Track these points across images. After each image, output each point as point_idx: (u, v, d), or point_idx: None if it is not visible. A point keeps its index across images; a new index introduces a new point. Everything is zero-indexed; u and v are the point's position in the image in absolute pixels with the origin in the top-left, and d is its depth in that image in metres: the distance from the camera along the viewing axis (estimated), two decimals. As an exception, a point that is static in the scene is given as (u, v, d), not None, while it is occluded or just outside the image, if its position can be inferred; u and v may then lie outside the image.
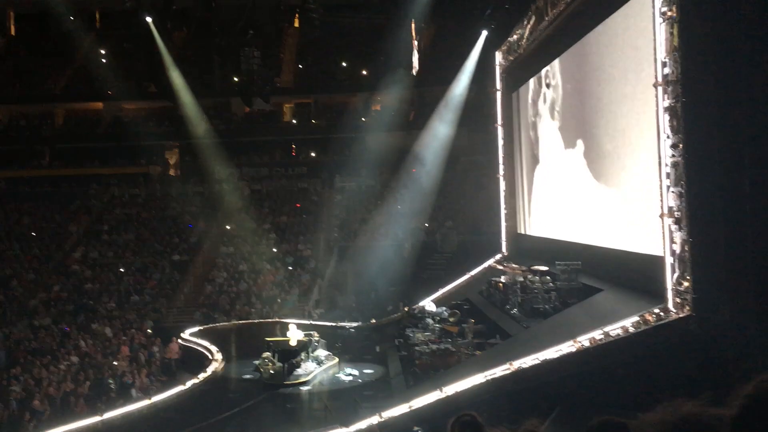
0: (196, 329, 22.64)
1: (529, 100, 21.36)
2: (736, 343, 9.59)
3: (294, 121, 39.46)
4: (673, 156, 10.53)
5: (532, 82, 20.97)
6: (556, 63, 18.34)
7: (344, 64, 39.13)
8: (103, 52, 36.59)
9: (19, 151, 37.34)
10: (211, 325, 23.52)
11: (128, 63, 35.52)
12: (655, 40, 10.91)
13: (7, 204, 34.74)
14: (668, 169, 10.65)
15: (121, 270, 28.96)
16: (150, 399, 16.13)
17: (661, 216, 10.87)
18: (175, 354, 21.17)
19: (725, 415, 1.18)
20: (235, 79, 34.39)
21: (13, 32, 41.92)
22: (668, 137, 10.62)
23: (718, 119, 10.08)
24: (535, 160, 21.03)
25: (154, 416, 15.35)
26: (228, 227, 31.61)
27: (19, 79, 39.15)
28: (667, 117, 10.66)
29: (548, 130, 19.40)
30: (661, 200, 10.89)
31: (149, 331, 23.24)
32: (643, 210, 12.71)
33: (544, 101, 19.75)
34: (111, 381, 18.21)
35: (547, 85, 19.35)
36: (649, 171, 12.13)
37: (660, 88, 10.80)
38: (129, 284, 27.82)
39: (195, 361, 19.78)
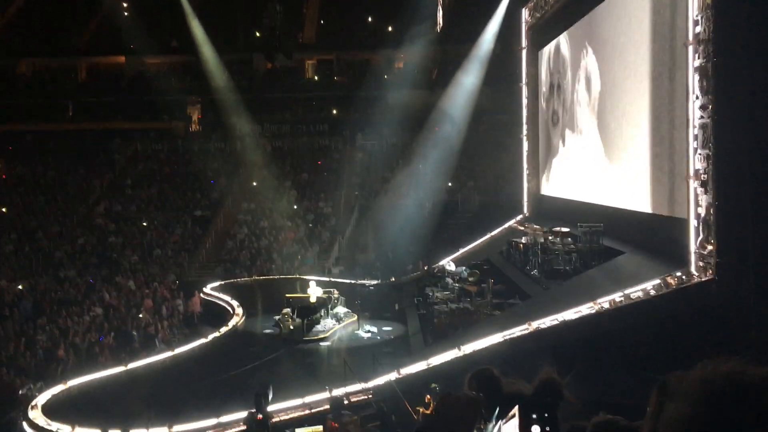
0: (217, 284, 22.93)
1: (554, 60, 20.97)
2: (760, 309, 9.50)
3: (316, 78, 39.18)
4: (702, 117, 10.32)
5: (558, 40, 20.56)
6: (582, 21, 17.93)
7: (369, 19, 38.59)
8: (125, 5, 36.41)
9: (43, 104, 37.54)
10: (232, 280, 23.79)
11: (151, 17, 35.32)
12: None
13: (32, 157, 35.10)
14: (696, 131, 10.45)
15: (144, 224, 29.26)
16: (173, 351, 16.44)
17: (687, 178, 10.70)
18: (197, 307, 21.49)
19: None
20: (258, 34, 34.22)
21: (36, -15, 41.82)
22: (697, 98, 10.40)
23: (750, 80, 9.82)
24: (559, 120, 20.74)
25: (177, 368, 15.65)
26: (252, 184, 31.71)
27: (42, 32, 39.13)
28: (697, 77, 10.42)
29: (573, 90, 19.08)
30: (688, 162, 10.71)
31: (174, 285, 23.54)
32: (670, 172, 12.53)
33: (570, 62, 19.39)
34: (135, 332, 18.55)
35: (573, 47, 18.97)
36: (676, 132, 11.93)
37: (691, 47, 10.53)
38: (152, 238, 28.14)
39: (216, 315, 20.08)
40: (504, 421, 1.44)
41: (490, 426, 1.43)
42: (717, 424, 1.13)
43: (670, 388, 1.23)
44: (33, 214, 30.41)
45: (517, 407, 1.44)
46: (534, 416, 1.44)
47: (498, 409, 1.43)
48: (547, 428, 1.44)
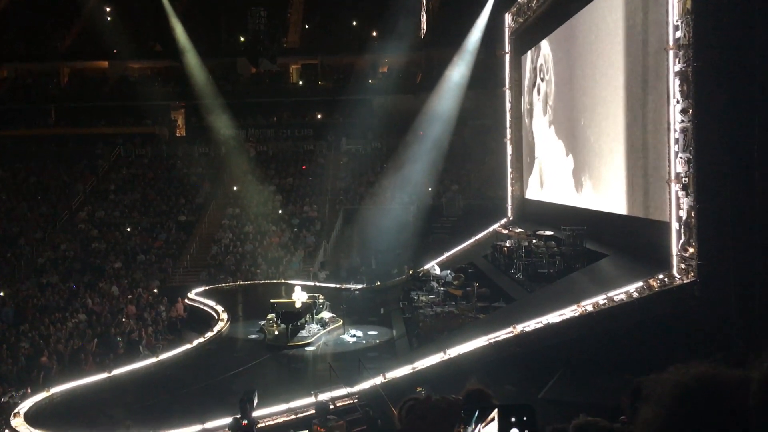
0: (201, 289, 22.84)
1: (537, 64, 21.11)
2: (741, 310, 9.61)
3: (300, 83, 39.17)
4: (683, 121, 10.43)
5: (541, 45, 20.71)
6: (563, 26, 18.07)
7: (353, 23, 38.64)
8: (108, 10, 36.23)
9: (25, 109, 37.23)
10: (216, 285, 23.71)
11: (134, 22, 35.18)
12: (667, 2, 10.72)
13: (14, 163, 34.78)
14: (677, 135, 10.56)
15: (129, 230, 29.08)
16: (157, 357, 16.35)
17: (668, 182, 10.81)
18: (182, 313, 21.39)
19: (751, 377, 1.16)
20: (242, 38, 34.16)
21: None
22: (678, 102, 10.51)
23: (730, 84, 9.94)
24: (542, 124, 20.87)
25: (161, 374, 15.56)
26: (234, 188, 31.63)
27: (24, 36, 38.84)
28: (677, 81, 10.54)
29: (556, 94, 19.22)
30: (669, 165, 10.82)
31: (156, 290, 23.42)
32: (649, 176, 12.65)
33: (551, 67, 19.53)
34: (119, 339, 18.42)
35: (554, 51, 19.11)
36: (657, 136, 12.06)
37: (671, 52, 10.65)
38: (135, 244, 27.97)
39: (201, 320, 19.98)
40: (483, 424, 1.45)
41: (470, 429, 1.44)
42: (690, 426, 1.16)
43: (644, 390, 1.25)
44: (15, 220, 30.13)
45: (496, 410, 1.46)
46: (513, 419, 1.45)
47: (477, 412, 1.44)
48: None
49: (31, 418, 12.61)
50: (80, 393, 14.27)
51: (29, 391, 14.63)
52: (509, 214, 23.43)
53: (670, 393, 1.19)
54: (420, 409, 1.36)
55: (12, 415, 12.63)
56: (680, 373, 1.21)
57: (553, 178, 20.02)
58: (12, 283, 24.59)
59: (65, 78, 39.63)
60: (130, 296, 22.35)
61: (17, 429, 12.04)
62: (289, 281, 22.31)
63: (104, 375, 15.01)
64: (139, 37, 35.64)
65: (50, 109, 38.22)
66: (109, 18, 35.76)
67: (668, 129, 10.81)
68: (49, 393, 13.84)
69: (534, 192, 22.06)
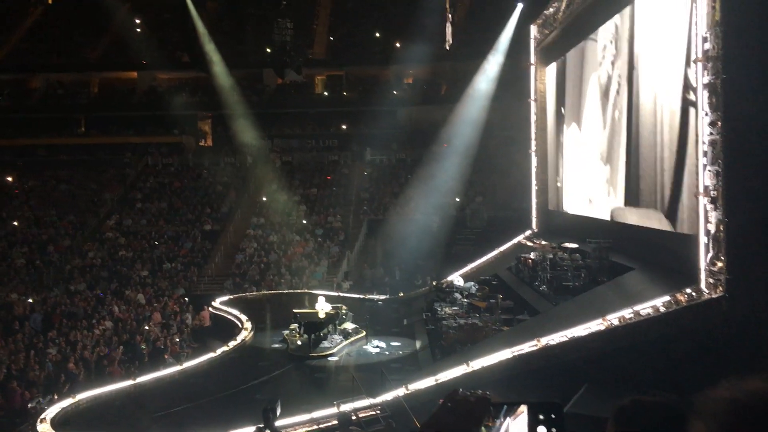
0: (226, 298, 22.98)
1: (571, 69, 21.01)
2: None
3: (325, 93, 39.42)
4: (711, 134, 10.30)
5: (565, 57, 20.63)
6: (601, 30, 17.92)
7: (376, 35, 38.82)
8: (138, 21, 36.82)
9: (56, 119, 37.91)
10: (241, 295, 23.84)
11: (162, 33, 35.73)
12: (696, 14, 10.63)
13: (44, 171, 35.40)
14: (706, 147, 10.43)
15: (156, 243, 29.39)
16: (181, 365, 16.47)
17: (697, 195, 10.67)
18: (206, 321, 21.54)
19: None
20: (268, 50, 34.45)
21: (50, 1, 42.36)
22: (707, 114, 10.38)
23: (759, 97, 9.80)
24: (573, 132, 20.75)
25: (185, 381, 15.67)
26: (261, 199, 31.85)
27: (55, 47, 39.62)
28: (706, 94, 10.41)
29: (588, 101, 19.09)
30: (698, 179, 10.69)
31: (184, 299, 23.61)
32: (678, 189, 12.51)
33: (585, 55, 19.39)
34: (144, 346, 18.59)
35: (588, 38, 18.97)
36: (685, 150, 11.93)
37: (700, 64, 10.54)
38: (161, 252, 28.26)
39: (225, 329, 20.10)
40: (512, 418, 1.46)
41: (498, 423, 1.45)
42: None
43: (696, 406, 1.23)
44: (44, 228, 30.62)
45: (525, 405, 1.46)
46: (541, 417, 1.46)
47: (506, 406, 1.45)
48: (554, 429, 1.46)
49: (57, 424, 12.75)
50: (106, 400, 14.42)
51: (56, 397, 14.82)
52: (534, 225, 23.29)
53: (724, 409, 1.17)
54: (449, 402, 1.36)
55: (39, 420, 12.78)
56: (734, 389, 1.19)
57: (578, 189, 19.87)
58: (40, 290, 24.96)
59: (95, 88, 40.33)
60: (156, 304, 22.55)
61: (44, 434, 12.18)
62: (313, 291, 22.36)
63: (129, 382, 15.15)
64: (168, 48, 36.14)
65: (80, 118, 38.89)
66: (138, 29, 36.34)
67: (696, 141, 10.68)
68: (76, 399, 14.00)
69: (559, 204, 21.92)
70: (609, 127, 17.22)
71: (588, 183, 19.04)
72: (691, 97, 12.09)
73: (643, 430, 1.84)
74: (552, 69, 22.61)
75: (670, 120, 13.21)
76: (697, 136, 10.67)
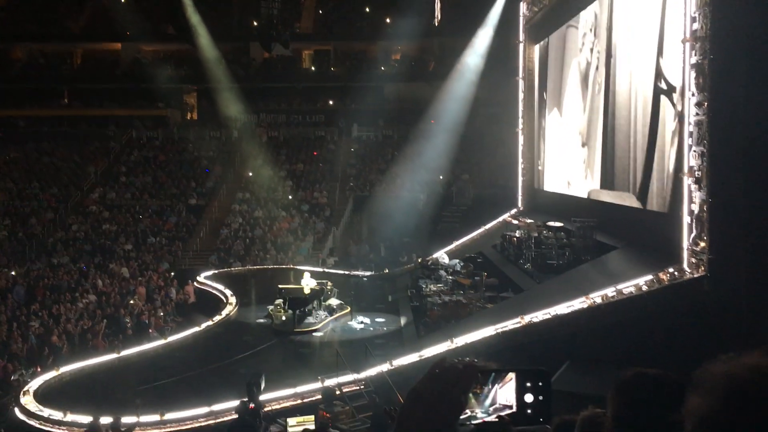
0: (210, 273, 22.95)
1: (553, 54, 20.97)
2: (752, 305, 9.55)
3: (313, 68, 39.10)
4: (697, 114, 10.34)
5: (552, 35, 20.57)
6: (582, 17, 17.92)
7: (366, 9, 38.47)
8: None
9: (38, 90, 37.34)
10: (225, 269, 23.81)
11: (147, 4, 35.12)
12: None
13: (26, 143, 34.94)
14: (691, 128, 10.47)
15: (139, 215, 29.20)
16: (165, 339, 16.47)
17: (681, 174, 10.74)
18: (191, 296, 21.51)
19: None
20: (255, 23, 34.09)
21: (32, -31, 41.54)
22: (693, 95, 10.42)
23: (746, 78, 9.82)
24: (552, 101, 20.76)
25: (169, 355, 15.69)
26: (246, 173, 31.69)
27: (38, 17, 38.89)
28: (693, 74, 10.44)
29: (569, 86, 19.09)
30: (682, 158, 10.75)
31: (167, 274, 23.54)
32: (662, 168, 12.58)
33: (566, 41, 19.38)
34: (128, 320, 18.55)
35: (569, 25, 18.97)
36: (656, 134, 12.02)
37: (687, 44, 10.55)
38: (146, 226, 28.10)
39: (210, 303, 20.10)
40: (500, 385, 1.47)
41: (486, 389, 1.46)
42: (745, 418, 1.14)
43: (694, 381, 1.23)
44: (27, 200, 30.31)
45: (513, 373, 1.47)
46: (528, 384, 1.47)
47: (493, 374, 1.46)
48: (540, 397, 1.47)
49: (40, 396, 12.75)
50: (89, 373, 14.42)
51: (39, 369, 14.79)
52: (519, 204, 23.37)
53: (724, 384, 1.17)
54: (436, 369, 1.36)
55: (22, 393, 12.76)
56: (732, 364, 1.19)
57: (563, 168, 19.93)
58: (23, 262, 24.77)
59: (78, 59, 39.72)
60: (140, 278, 22.47)
61: (27, 407, 12.17)
62: (298, 267, 22.38)
63: (113, 355, 15.14)
64: (152, 19, 35.58)
65: (63, 90, 38.34)
66: (122, 0, 35.74)
67: (682, 122, 10.72)
68: (59, 372, 13.99)
69: (545, 182, 21.98)
70: (588, 112, 17.31)
71: (567, 166, 19.16)
72: (662, 85, 12.18)
73: (646, 399, 1.87)
74: (541, 47, 22.55)
75: (644, 106, 13.35)
76: (682, 116, 10.71)
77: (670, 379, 1.90)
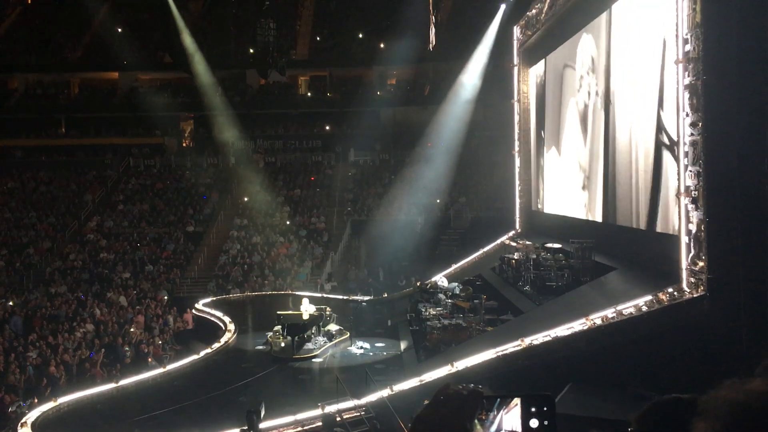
0: (209, 300, 22.85)
1: (548, 78, 21.14)
2: (751, 324, 9.53)
3: (309, 94, 39.34)
4: (692, 135, 10.40)
5: (546, 59, 20.74)
6: (577, 40, 18.08)
7: (359, 36, 38.81)
8: (118, 21, 36.49)
9: (35, 119, 37.46)
10: (224, 296, 23.72)
11: (144, 33, 35.45)
12: (677, 16, 10.73)
13: (24, 172, 34.99)
14: (686, 148, 10.53)
15: (137, 243, 29.15)
16: (164, 367, 16.35)
17: (678, 195, 10.77)
18: (189, 324, 21.40)
19: None
20: (251, 50, 34.34)
21: (29, 0, 41.90)
22: (687, 115, 10.49)
23: (739, 97, 9.91)
24: (550, 137, 20.87)
25: (168, 384, 15.56)
26: (244, 200, 31.72)
27: (35, 47, 39.18)
28: (686, 95, 10.52)
29: (567, 125, 19.20)
30: (679, 179, 10.79)
31: (164, 297, 23.45)
32: (659, 189, 12.62)
33: (563, 80, 19.54)
34: (127, 349, 18.44)
35: (566, 65, 19.13)
36: (665, 149, 12.05)
37: (680, 65, 10.64)
38: (143, 254, 28.04)
39: (208, 331, 19.98)
40: (505, 411, 1.47)
41: (491, 415, 1.46)
42: None
43: (700, 406, 1.24)
44: (24, 230, 30.26)
45: (518, 399, 1.48)
46: (533, 409, 1.47)
47: (498, 400, 1.46)
48: (546, 422, 1.47)
49: (38, 428, 12.62)
50: (87, 403, 14.28)
51: (36, 401, 14.64)
52: (517, 226, 23.39)
53: (728, 410, 1.17)
54: (441, 396, 1.36)
55: (20, 424, 12.64)
56: (737, 390, 1.19)
57: (560, 190, 19.98)
58: (21, 292, 24.67)
59: (75, 88, 39.92)
60: (138, 307, 22.37)
61: (24, 439, 12.05)
62: (297, 293, 22.31)
63: (111, 385, 15.02)
64: (149, 48, 35.87)
65: (60, 119, 38.48)
66: (119, 29, 36.02)
67: (677, 142, 10.78)
68: (57, 403, 13.85)
69: (542, 204, 22.02)
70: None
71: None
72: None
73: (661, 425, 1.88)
74: (533, 77, 22.75)
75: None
76: (678, 137, 10.77)
77: (683, 401, 1.90)
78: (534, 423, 1.47)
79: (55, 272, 26.67)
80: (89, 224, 30.71)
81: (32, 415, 13.13)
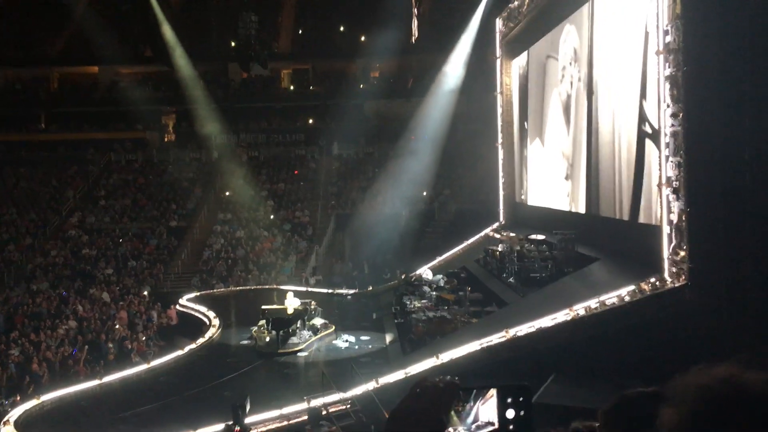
0: (193, 295, 22.75)
1: (530, 69, 21.18)
2: (732, 313, 9.63)
3: (292, 87, 39.16)
4: (673, 125, 10.47)
5: (533, 49, 20.78)
6: (559, 31, 18.12)
7: (342, 29, 38.68)
8: (98, 15, 36.05)
9: (15, 115, 37.01)
10: (208, 291, 23.62)
11: (124, 26, 35.04)
12: (657, 7, 10.77)
13: (3, 168, 34.59)
14: (668, 139, 10.59)
15: (119, 238, 28.94)
16: (148, 363, 16.27)
17: (659, 185, 10.84)
18: (173, 319, 21.29)
19: None
20: (233, 43, 34.13)
21: (7, -6, 41.30)
22: (668, 106, 10.55)
23: (720, 88, 9.97)
24: (533, 129, 20.93)
25: (153, 380, 15.48)
26: (226, 194, 31.58)
27: (14, 41, 38.63)
28: (667, 85, 10.57)
29: (550, 117, 19.26)
30: (660, 169, 10.86)
31: (145, 294, 23.30)
32: (642, 180, 12.69)
33: (546, 71, 19.59)
34: (110, 345, 18.32)
35: (548, 56, 19.18)
36: (648, 139, 12.12)
37: (661, 56, 10.69)
38: (126, 250, 27.84)
39: (193, 326, 19.90)
40: (482, 402, 1.47)
41: (468, 407, 1.46)
42: (715, 429, 1.14)
43: (667, 393, 1.24)
44: (4, 226, 29.93)
45: (494, 389, 1.47)
46: (509, 400, 1.47)
47: (475, 391, 1.46)
48: (522, 412, 1.47)
49: (21, 426, 12.52)
50: (71, 400, 14.18)
51: (19, 398, 14.53)
52: (501, 218, 23.46)
53: (694, 396, 1.18)
54: (417, 389, 1.35)
55: (2, 423, 12.53)
56: (703, 375, 1.19)
57: (544, 181, 20.06)
58: (1, 290, 24.42)
59: (55, 83, 39.47)
60: (121, 303, 22.22)
61: (7, 437, 11.95)
62: (282, 287, 22.24)
63: (95, 382, 14.92)
64: (130, 42, 35.49)
65: (40, 114, 38.05)
66: (99, 23, 35.58)
67: (658, 133, 10.84)
68: (40, 400, 13.75)
69: (526, 196, 22.10)
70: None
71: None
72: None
73: (643, 419, 1.88)
74: (516, 68, 22.78)
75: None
76: (659, 127, 10.84)
77: (649, 394, 1.91)
78: (510, 413, 1.47)
79: (37, 269, 26.42)
80: (71, 220, 30.44)
81: (15, 413, 13.03)
